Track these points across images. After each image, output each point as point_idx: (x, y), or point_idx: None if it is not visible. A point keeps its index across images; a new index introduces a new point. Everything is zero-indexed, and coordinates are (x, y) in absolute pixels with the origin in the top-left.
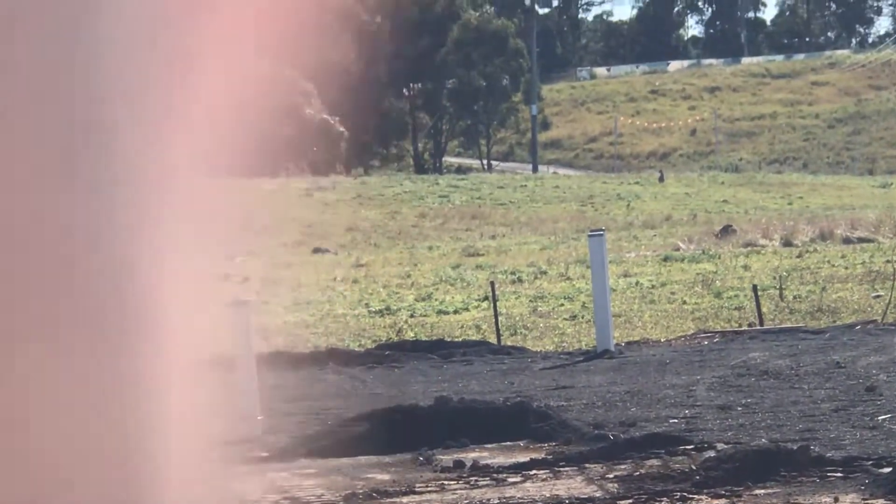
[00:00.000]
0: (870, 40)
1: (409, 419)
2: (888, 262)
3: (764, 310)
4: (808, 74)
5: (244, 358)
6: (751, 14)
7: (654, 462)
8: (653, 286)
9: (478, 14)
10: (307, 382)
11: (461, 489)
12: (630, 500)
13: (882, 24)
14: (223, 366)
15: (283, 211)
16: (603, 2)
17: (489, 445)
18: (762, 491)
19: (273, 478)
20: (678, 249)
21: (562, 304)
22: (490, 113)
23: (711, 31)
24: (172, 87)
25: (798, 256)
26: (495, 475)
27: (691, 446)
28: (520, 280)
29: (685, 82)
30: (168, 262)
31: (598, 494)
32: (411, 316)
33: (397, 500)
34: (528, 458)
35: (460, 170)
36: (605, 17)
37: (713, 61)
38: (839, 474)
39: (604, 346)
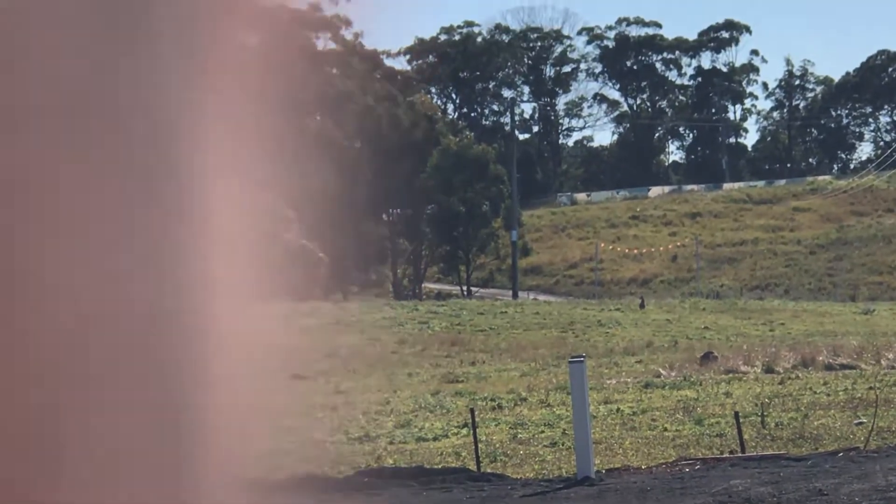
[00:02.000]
0: (851, 166)
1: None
2: (871, 388)
3: (746, 437)
4: (790, 200)
5: None
6: (732, 140)
7: None
8: (634, 413)
9: (458, 139)
10: None
11: None
12: None
13: (864, 150)
14: None
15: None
16: (583, 127)
17: None
18: None
19: None
20: (659, 376)
21: (542, 431)
22: (470, 238)
23: (692, 156)
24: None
25: (780, 383)
26: None
27: None
28: (500, 406)
29: (666, 208)
30: None
31: None
32: (391, 443)
33: None
34: None
35: (440, 295)
36: (585, 142)
37: (694, 187)
38: None
39: (584, 472)
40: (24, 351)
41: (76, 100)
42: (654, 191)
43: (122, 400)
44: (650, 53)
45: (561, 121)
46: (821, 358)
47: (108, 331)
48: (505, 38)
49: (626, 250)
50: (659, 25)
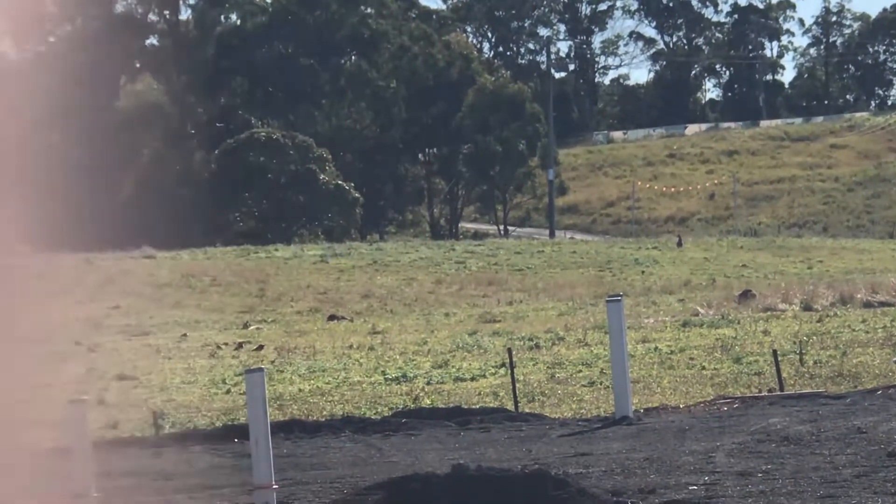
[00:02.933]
0: (889, 102)
1: (426, 488)
2: None
3: (784, 375)
4: (827, 137)
5: (258, 426)
6: (769, 77)
7: None
8: (671, 352)
9: (493, 79)
10: (323, 451)
11: None
12: None
13: None
14: (240, 435)
15: (298, 278)
16: (619, 66)
17: None
18: None
19: None
20: (697, 314)
21: (580, 371)
22: (506, 178)
23: (729, 94)
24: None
25: (818, 321)
26: None
27: None
28: (537, 346)
29: (703, 146)
30: None
31: None
32: (428, 383)
33: None
34: None
35: (476, 235)
36: (621, 80)
37: (731, 124)
38: None
39: (622, 412)
40: None
41: None
42: (691, 129)
43: None
44: None
45: (597, 59)
46: (859, 295)
47: None
48: None
49: (663, 189)
50: None
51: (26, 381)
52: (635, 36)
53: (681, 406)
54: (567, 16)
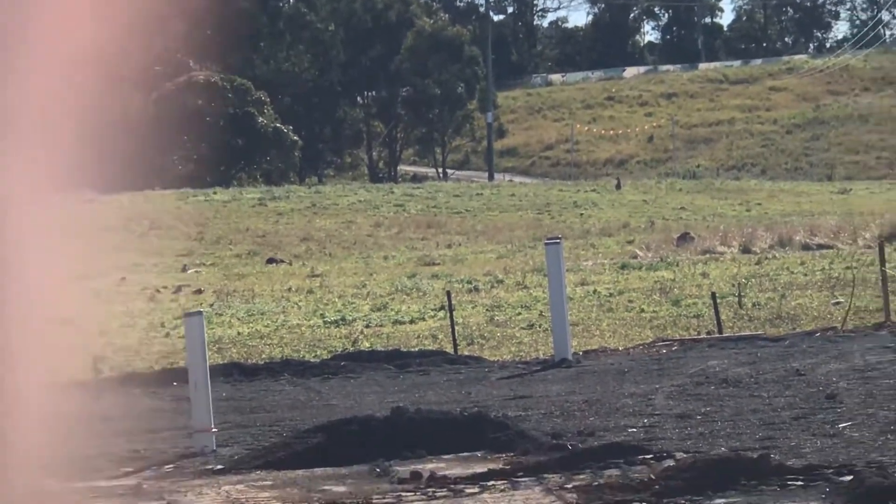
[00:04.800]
0: (827, 45)
1: (365, 430)
2: (848, 268)
3: (723, 317)
4: (766, 80)
5: (197, 369)
6: (707, 20)
7: (613, 472)
8: (610, 294)
9: (432, 21)
10: (262, 394)
11: (419, 500)
12: None
13: (839, 29)
14: (178, 378)
15: (237, 221)
16: (558, 8)
17: (446, 456)
18: (722, 500)
19: (228, 490)
20: (636, 257)
21: (519, 314)
22: (445, 121)
23: (668, 36)
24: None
25: (757, 263)
26: (453, 486)
27: (650, 456)
28: (476, 289)
29: (642, 89)
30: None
31: None
32: (367, 326)
33: None
34: (485, 469)
35: (415, 178)
36: (560, 23)
37: (670, 67)
38: (800, 483)
39: (561, 355)
40: None
41: None
42: (630, 71)
43: None
44: None
45: (535, 2)
46: (798, 238)
47: None
48: None
49: (602, 131)
50: None
51: None
52: None
53: (620, 348)
54: None
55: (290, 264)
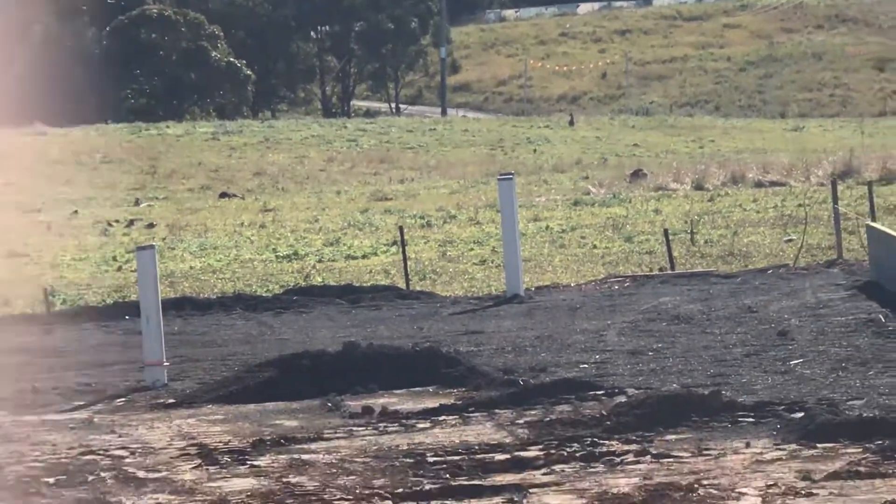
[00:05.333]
0: None
1: (316, 365)
2: (800, 205)
3: (675, 254)
4: (720, 17)
5: (149, 303)
6: None
7: (565, 407)
8: (563, 231)
9: None
10: (214, 328)
11: (370, 435)
12: (540, 446)
13: None
14: (130, 312)
15: (190, 155)
16: None
17: (398, 391)
18: (673, 436)
19: (180, 424)
20: (588, 194)
21: (471, 249)
22: (398, 56)
23: None
24: None
25: (709, 200)
26: (404, 421)
27: (602, 392)
28: (429, 225)
29: (596, 25)
30: None
31: (508, 440)
32: (319, 261)
33: (305, 446)
34: (437, 404)
35: (368, 113)
36: None
37: (624, 3)
38: (751, 419)
39: (514, 290)
40: None
41: None
42: (584, 7)
43: None
44: None
45: None
46: (750, 175)
47: None
48: None
49: (556, 67)
50: None
51: None
52: None
53: (572, 284)
54: None
55: (243, 199)
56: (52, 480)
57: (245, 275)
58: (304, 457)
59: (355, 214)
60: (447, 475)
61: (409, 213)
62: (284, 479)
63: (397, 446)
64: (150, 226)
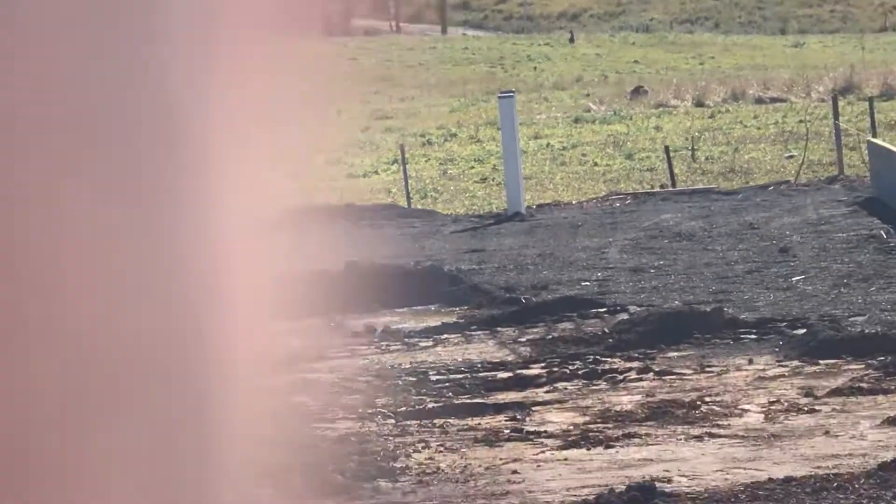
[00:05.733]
0: None
1: (319, 284)
2: (801, 121)
3: (676, 171)
4: None
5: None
6: None
7: (567, 325)
8: (564, 148)
9: None
10: None
11: (372, 354)
12: (542, 364)
13: None
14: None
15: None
16: None
17: (400, 310)
18: (675, 353)
19: None
20: (589, 111)
21: (472, 167)
22: None
23: None
24: None
25: (710, 117)
26: (407, 339)
27: (604, 309)
28: (429, 143)
29: None
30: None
31: (510, 358)
32: (320, 180)
33: (308, 365)
34: (439, 323)
35: (369, 32)
36: None
37: None
38: (753, 336)
39: (515, 208)
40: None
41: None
42: None
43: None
44: None
45: None
46: (751, 91)
47: (113, 350)
48: None
49: None
50: None
51: None
52: None
53: (573, 202)
54: None
55: None
56: None
57: None
58: (308, 376)
59: (356, 133)
60: (450, 393)
61: (410, 132)
62: (288, 398)
63: (400, 365)
64: None
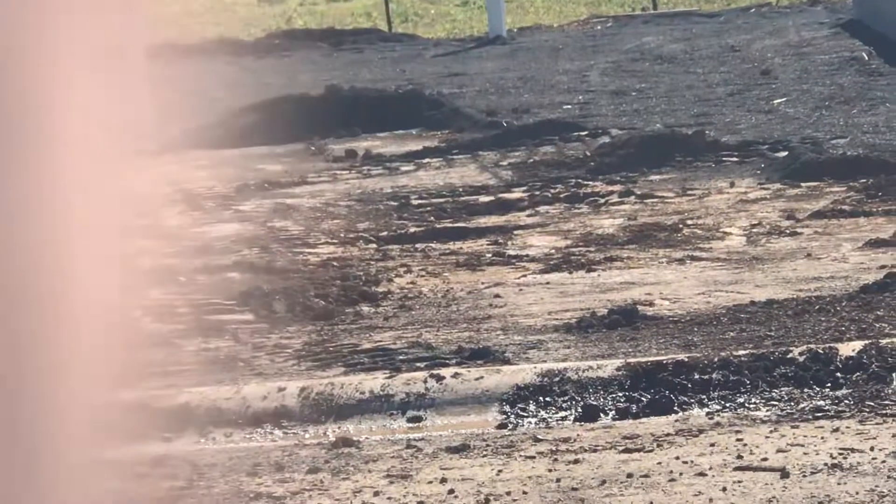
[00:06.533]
0: None
1: (300, 108)
2: None
3: None
4: None
5: (132, 49)
6: None
7: (549, 149)
8: None
9: None
10: (197, 74)
11: (354, 178)
12: (524, 188)
13: None
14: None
15: None
16: None
17: (381, 134)
18: (657, 177)
19: (165, 171)
20: None
21: None
22: None
23: None
24: None
25: None
26: (388, 164)
27: (585, 132)
28: None
29: None
30: None
31: (491, 182)
32: (301, 4)
33: (289, 190)
34: (420, 147)
35: None
36: None
37: None
38: (735, 159)
39: (496, 32)
40: None
41: None
42: None
43: None
44: None
45: None
46: None
47: None
48: None
49: None
50: None
51: None
52: None
53: (555, 25)
54: None
55: None
56: None
57: (227, 19)
58: (289, 201)
59: None
60: (431, 218)
61: None
62: (269, 224)
63: (381, 189)
64: None
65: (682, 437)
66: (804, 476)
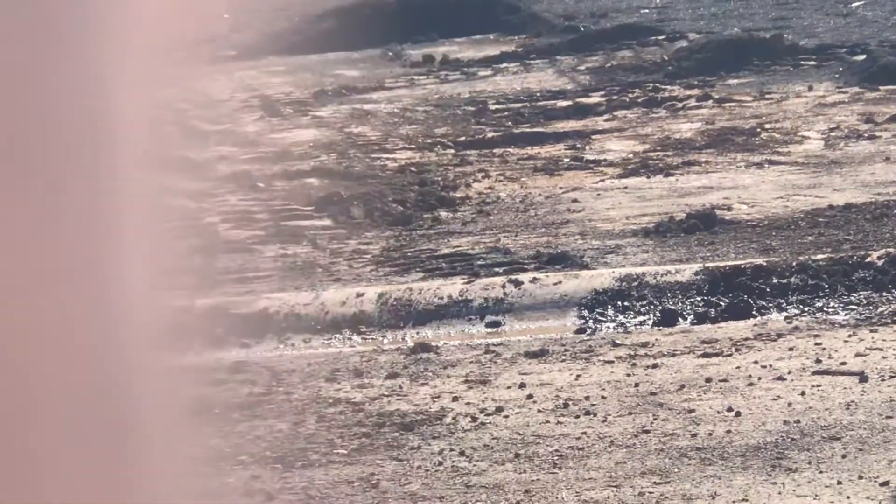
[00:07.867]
0: None
1: (376, 14)
2: None
3: None
4: None
5: None
6: None
7: (626, 53)
8: None
9: None
10: None
11: (431, 84)
12: (602, 92)
13: None
14: None
15: None
16: None
17: (459, 39)
18: (735, 80)
19: (241, 76)
20: None
21: None
22: None
23: None
24: None
25: None
26: (465, 69)
27: (663, 37)
28: None
29: None
30: None
31: (569, 87)
32: None
33: (367, 95)
34: (498, 52)
35: None
36: None
37: None
38: (812, 62)
39: None
40: None
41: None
42: None
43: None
44: None
45: None
46: None
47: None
48: None
49: None
50: None
51: None
52: None
53: None
54: None
55: None
56: None
57: None
58: (366, 107)
59: None
60: (509, 123)
61: None
62: (347, 129)
63: (458, 94)
64: None
65: (760, 341)
66: (883, 380)
